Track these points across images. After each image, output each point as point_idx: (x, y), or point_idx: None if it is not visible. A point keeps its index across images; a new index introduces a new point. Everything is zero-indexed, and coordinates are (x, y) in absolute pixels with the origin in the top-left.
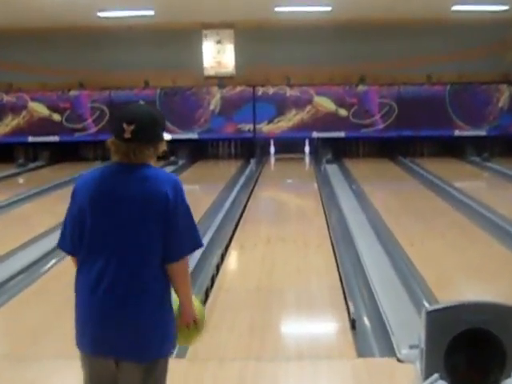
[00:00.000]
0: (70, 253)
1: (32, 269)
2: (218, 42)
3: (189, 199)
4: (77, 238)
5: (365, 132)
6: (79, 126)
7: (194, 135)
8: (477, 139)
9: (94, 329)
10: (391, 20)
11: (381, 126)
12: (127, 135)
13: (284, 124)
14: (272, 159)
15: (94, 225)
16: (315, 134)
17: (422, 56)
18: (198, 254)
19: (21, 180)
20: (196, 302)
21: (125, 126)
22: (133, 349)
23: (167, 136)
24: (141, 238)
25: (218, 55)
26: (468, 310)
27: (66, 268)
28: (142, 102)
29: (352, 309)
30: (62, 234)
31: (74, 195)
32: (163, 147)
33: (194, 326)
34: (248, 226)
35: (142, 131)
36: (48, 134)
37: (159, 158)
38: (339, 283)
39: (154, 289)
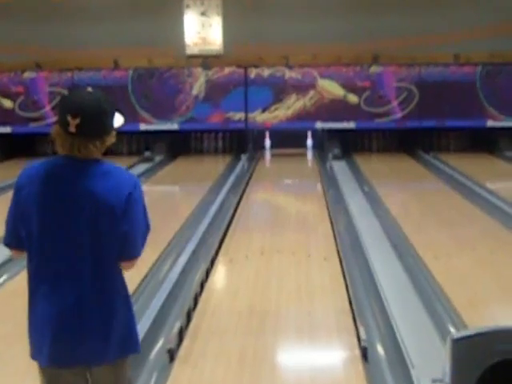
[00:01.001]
0: (12, 247)
1: None
2: (203, 13)
3: (168, 202)
4: (24, 236)
5: (379, 122)
6: (35, 114)
7: (173, 126)
8: None
9: (55, 341)
10: None
11: (398, 115)
12: (72, 129)
13: (282, 112)
14: (267, 154)
15: (43, 225)
16: (319, 125)
17: (447, 31)
18: (178, 268)
19: None
20: None
21: (69, 118)
22: (102, 352)
23: (119, 120)
24: (93, 240)
25: (202, 30)
26: (503, 337)
27: (18, 286)
28: (89, 89)
29: (363, 335)
30: (6, 231)
31: (16, 190)
32: (111, 140)
33: None
34: (238, 236)
35: (87, 125)
36: None
37: (132, 154)
38: (348, 304)
39: (112, 289)
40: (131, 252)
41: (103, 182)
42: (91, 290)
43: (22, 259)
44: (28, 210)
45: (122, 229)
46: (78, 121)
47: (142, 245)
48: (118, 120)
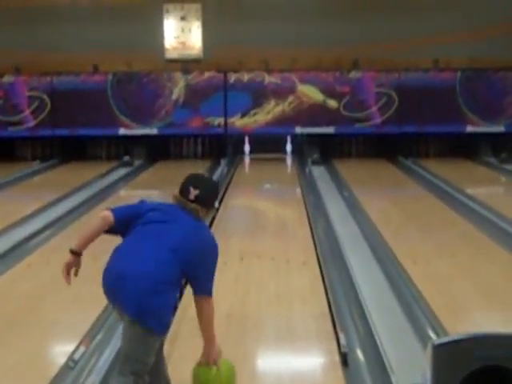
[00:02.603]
0: (115, 219)
1: None
2: (183, 18)
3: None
4: (125, 221)
5: (359, 127)
6: (14, 118)
7: (152, 130)
8: (493, 136)
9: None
10: None
11: (378, 121)
12: (191, 197)
13: (261, 117)
14: (247, 159)
15: (147, 224)
16: (299, 130)
17: (427, 37)
18: None
19: None
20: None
21: (191, 189)
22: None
23: (216, 204)
24: (169, 249)
25: (182, 34)
26: (483, 343)
27: None
28: (206, 175)
29: (343, 340)
30: (121, 208)
31: (144, 204)
32: (211, 214)
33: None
34: (217, 241)
35: (202, 197)
36: None
37: (111, 158)
38: (327, 309)
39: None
40: (197, 288)
41: (192, 231)
42: (149, 269)
43: None
44: (143, 213)
45: (189, 268)
46: (197, 192)
47: (205, 291)
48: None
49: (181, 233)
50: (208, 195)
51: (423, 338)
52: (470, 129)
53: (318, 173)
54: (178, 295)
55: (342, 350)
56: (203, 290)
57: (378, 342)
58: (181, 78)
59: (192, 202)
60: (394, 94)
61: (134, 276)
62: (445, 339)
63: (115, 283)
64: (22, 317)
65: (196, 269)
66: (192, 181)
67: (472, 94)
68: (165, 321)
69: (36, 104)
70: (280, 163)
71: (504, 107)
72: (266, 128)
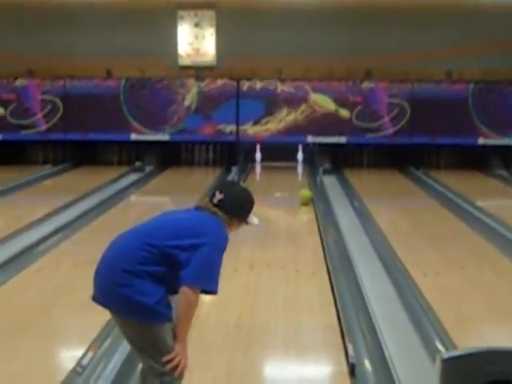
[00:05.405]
0: None
1: None
2: (197, 25)
3: (158, 213)
4: None
5: (370, 137)
6: (26, 122)
7: (164, 136)
8: (504, 149)
9: (96, 283)
10: (404, 4)
11: (390, 131)
12: (215, 200)
13: (273, 126)
14: (258, 167)
15: (148, 221)
16: (310, 139)
17: (440, 48)
18: None
19: None
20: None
21: (217, 192)
22: (118, 307)
23: (253, 220)
24: (170, 243)
25: (195, 41)
26: (492, 358)
27: None
28: (243, 186)
29: (351, 352)
30: None
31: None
32: (236, 226)
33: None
34: (227, 249)
35: (225, 203)
36: None
37: (122, 164)
38: (336, 320)
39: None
40: (186, 277)
41: (194, 220)
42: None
43: None
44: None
45: (185, 255)
46: (221, 196)
47: (202, 279)
48: (253, 219)
49: (166, 218)
50: (232, 202)
51: (432, 351)
52: (481, 141)
53: (329, 182)
54: (166, 276)
55: (350, 360)
56: (187, 278)
57: (386, 353)
58: (194, 85)
59: (214, 206)
60: (406, 105)
61: (105, 274)
62: (453, 353)
63: (96, 288)
64: (30, 321)
65: (186, 253)
66: (221, 186)
67: (484, 107)
68: (155, 307)
69: (48, 108)
70: (291, 172)
71: None
72: (277, 136)
